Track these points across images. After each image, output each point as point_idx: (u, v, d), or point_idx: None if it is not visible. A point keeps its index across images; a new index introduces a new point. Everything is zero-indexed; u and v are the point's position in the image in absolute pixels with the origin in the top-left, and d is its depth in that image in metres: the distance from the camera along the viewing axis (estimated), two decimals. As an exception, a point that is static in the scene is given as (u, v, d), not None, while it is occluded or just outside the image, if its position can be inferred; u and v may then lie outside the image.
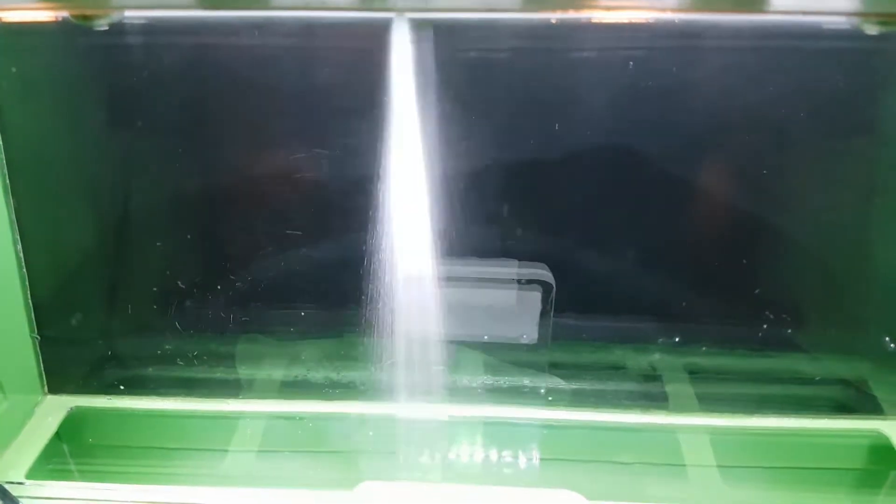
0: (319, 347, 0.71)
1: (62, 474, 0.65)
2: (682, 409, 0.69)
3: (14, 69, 0.59)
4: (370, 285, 0.67)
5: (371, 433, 0.67)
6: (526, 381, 0.71)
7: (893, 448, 0.66)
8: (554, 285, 0.66)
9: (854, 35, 0.54)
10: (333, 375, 0.71)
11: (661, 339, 0.68)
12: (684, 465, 0.65)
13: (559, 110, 0.59)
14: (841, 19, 0.54)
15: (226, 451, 0.67)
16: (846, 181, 0.62)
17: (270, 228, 0.66)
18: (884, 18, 0.52)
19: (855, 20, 0.54)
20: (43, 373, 0.70)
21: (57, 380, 0.71)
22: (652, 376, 0.70)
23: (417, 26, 0.55)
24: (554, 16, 0.54)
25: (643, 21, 0.55)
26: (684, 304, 0.66)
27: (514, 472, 0.65)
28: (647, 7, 0.52)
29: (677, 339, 0.68)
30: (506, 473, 0.65)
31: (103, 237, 0.67)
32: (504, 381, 0.71)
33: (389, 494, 0.58)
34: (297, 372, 0.71)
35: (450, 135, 0.60)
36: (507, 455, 0.66)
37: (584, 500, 0.58)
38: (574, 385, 0.70)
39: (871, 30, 0.54)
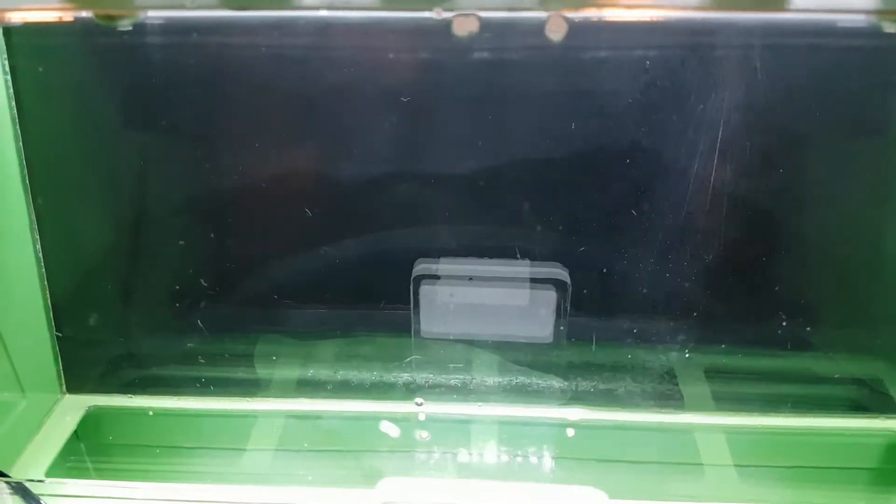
0: (337, 346, 0.71)
1: (81, 472, 0.65)
2: (698, 408, 0.69)
3: (40, 69, 0.59)
4: (387, 284, 0.68)
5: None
6: (542, 381, 0.70)
7: (909, 447, 0.66)
8: (570, 284, 0.66)
9: (873, 33, 0.54)
10: (351, 374, 0.71)
11: (677, 339, 0.68)
12: (701, 464, 0.65)
13: (576, 109, 0.59)
14: (859, 17, 0.54)
15: (244, 449, 0.67)
16: (863, 180, 0.62)
17: (288, 228, 0.66)
18: (903, 16, 0.52)
19: (873, 18, 0.54)
20: (61, 372, 0.71)
21: (75, 379, 0.71)
22: (668, 375, 0.70)
23: (437, 26, 0.55)
24: (574, 14, 0.54)
25: (661, 20, 0.55)
26: (700, 303, 0.66)
27: (530, 471, 0.65)
28: (666, 6, 0.52)
29: (693, 339, 0.68)
30: (522, 472, 0.65)
31: (122, 237, 0.67)
32: (520, 380, 0.71)
33: (410, 490, 0.58)
34: (315, 371, 0.71)
35: (467, 133, 0.60)
36: (523, 454, 0.66)
37: (606, 498, 0.57)
38: (589, 384, 0.70)
39: (890, 28, 0.54)
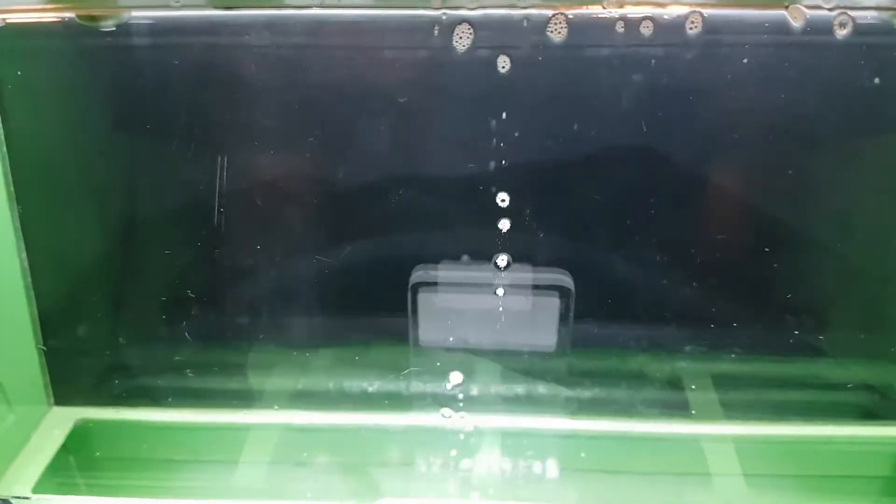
0: (332, 357, 0.70)
1: (69, 488, 0.64)
2: (706, 416, 0.68)
3: (19, 72, 0.58)
4: (384, 292, 0.66)
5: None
6: (545, 390, 0.69)
7: (922, 455, 0.65)
8: (574, 291, 0.64)
9: (885, 30, 0.53)
10: (347, 385, 0.70)
11: (684, 347, 0.67)
12: (709, 474, 0.64)
13: (580, 110, 0.58)
14: (871, 14, 0.53)
15: (236, 463, 0.66)
16: (874, 182, 0.61)
17: (281, 235, 0.64)
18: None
19: (886, 15, 0.53)
20: (49, 384, 0.69)
21: (63, 391, 0.70)
22: (675, 384, 0.68)
23: (434, 23, 0.54)
24: (575, 11, 0.53)
25: (669, 17, 0.53)
26: (707, 310, 0.65)
27: (534, 484, 0.64)
28: (674, 3, 0.51)
29: (701, 346, 0.67)
30: (526, 485, 0.64)
31: (110, 245, 0.66)
32: (523, 389, 0.69)
33: (410, 508, 0.57)
34: (310, 382, 0.70)
35: (467, 135, 0.58)
36: (526, 466, 0.65)
37: (610, 513, 0.56)
38: (594, 393, 0.69)
39: (904, 24, 0.52)
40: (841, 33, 0.53)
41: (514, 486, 0.64)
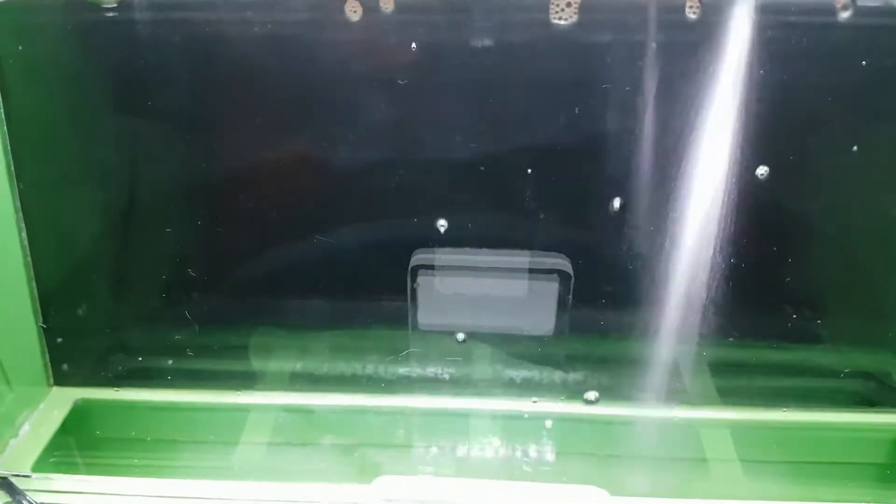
0: (332, 339, 0.70)
1: (68, 467, 0.64)
2: (702, 402, 0.68)
3: (21, 48, 0.57)
4: (384, 275, 0.66)
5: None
6: (543, 374, 0.69)
7: (917, 442, 0.66)
8: (573, 275, 0.64)
9: (888, 11, 0.53)
10: (346, 367, 0.70)
11: (682, 332, 0.67)
12: (706, 459, 0.64)
13: (580, 95, 0.58)
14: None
15: (236, 443, 0.66)
16: (872, 168, 0.61)
17: (281, 216, 0.64)
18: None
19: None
20: (48, 364, 0.69)
21: (63, 371, 0.70)
22: (672, 369, 0.68)
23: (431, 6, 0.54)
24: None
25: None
26: (706, 295, 0.64)
27: (531, 467, 0.64)
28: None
29: (698, 332, 0.66)
30: (523, 468, 0.64)
31: (111, 225, 0.66)
32: (521, 373, 0.70)
33: (407, 489, 0.57)
34: (309, 364, 0.70)
35: (467, 119, 0.58)
36: (523, 449, 0.65)
37: (608, 496, 0.56)
38: (591, 378, 0.69)
39: (905, 7, 0.52)
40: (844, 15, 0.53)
41: (510, 467, 0.64)
